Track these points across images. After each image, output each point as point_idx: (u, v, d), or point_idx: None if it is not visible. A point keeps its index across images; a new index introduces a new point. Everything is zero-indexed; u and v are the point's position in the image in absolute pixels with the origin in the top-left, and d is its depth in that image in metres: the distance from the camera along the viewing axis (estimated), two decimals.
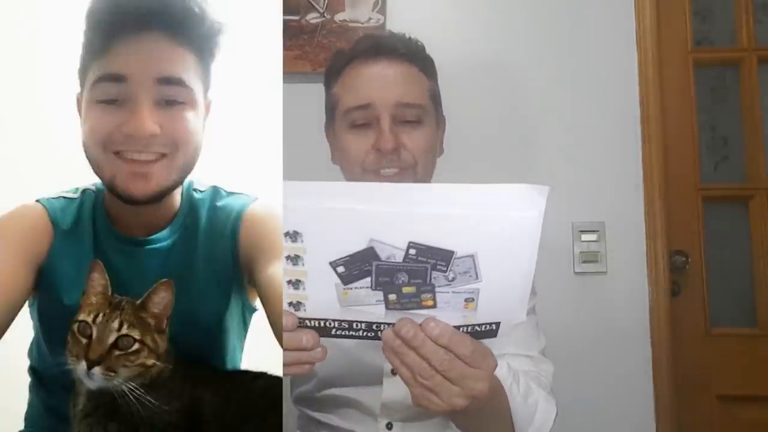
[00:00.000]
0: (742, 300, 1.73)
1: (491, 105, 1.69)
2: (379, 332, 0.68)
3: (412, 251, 0.62)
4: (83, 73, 0.89)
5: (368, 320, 0.68)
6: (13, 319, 0.84)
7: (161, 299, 0.82)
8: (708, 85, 1.80)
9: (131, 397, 0.77)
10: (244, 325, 1.03)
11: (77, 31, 0.88)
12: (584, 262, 1.65)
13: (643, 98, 1.69)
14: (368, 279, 0.64)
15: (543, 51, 1.71)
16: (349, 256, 0.63)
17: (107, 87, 0.85)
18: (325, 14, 1.71)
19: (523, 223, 0.63)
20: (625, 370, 1.62)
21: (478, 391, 0.68)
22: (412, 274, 0.64)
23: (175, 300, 0.82)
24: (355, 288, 0.65)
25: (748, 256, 1.72)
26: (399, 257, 0.63)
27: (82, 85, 0.89)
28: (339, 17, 1.71)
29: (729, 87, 1.80)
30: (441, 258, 0.63)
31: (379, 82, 0.99)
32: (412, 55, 1.02)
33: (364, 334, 0.69)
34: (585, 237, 1.65)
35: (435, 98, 1.04)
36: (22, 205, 0.94)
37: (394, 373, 1.00)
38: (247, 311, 1.02)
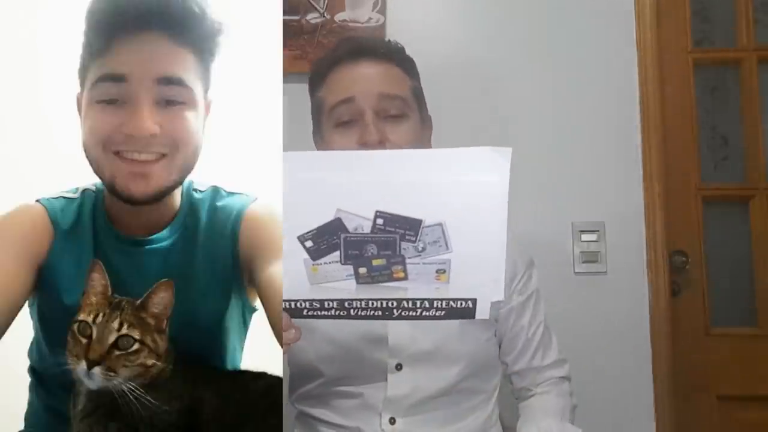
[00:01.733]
0: (742, 300, 1.73)
1: (491, 105, 1.69)
2: (352, 310, 0.68)
3: (380, 221, 0.62)
4: (83, 73, 0.89)
5: (339, 297, 0.67)
6: (13, 319, 0.84)
7: (161, 299, 0.82)
8: (708, 85, 1.80)
9: (131, 397, 0.77)
10: (244, 325, 1.03)
11: (77, 31, 0.88)
12: (584, 262, 1.65)
13: (643, 98, 1.68)
14: (337, 253, 0.63)
15: (543, 51, 1.71)
16: (317, 228, 0.62)
17: (107, 87, 0.85)
18: (325, 14, 1.71)
19: (488, 188, 0.62)
20: (625, 369, 1.62)
21: None
22: (381, 245, 0.63)
23: (175, 300, 0.82)
24: (324, 263, 0.64)
25: (748, 256, 1.72)
26: (367, 228, 0.62)
27: (82, 84, 0.90)
28: (339, 17, 1.71)
29: (729, 87, 1.80)
30: (409, 227, 0.62)
31: (361, 79, 1.01)
32: (392, 55, 1.05)
33: (336, 312, 0.68)
34: (585, 237, 1.65)
35: (418, 96, 1.06)
36: (22, 205, 0.94)
37: (398, 368, 1.02)
38: (247, 311, 1.02)
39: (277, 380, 0.86)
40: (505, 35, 1.72)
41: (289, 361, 1.08)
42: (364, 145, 0.97)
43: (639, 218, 1.66)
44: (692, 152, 1.72)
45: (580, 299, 1.64)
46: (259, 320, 0.98)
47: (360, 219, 0.62)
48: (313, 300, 0.67)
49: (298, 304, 0.68)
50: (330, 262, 0.64)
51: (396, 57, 1.05)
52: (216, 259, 0.94)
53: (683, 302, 1.67)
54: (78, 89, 0.91)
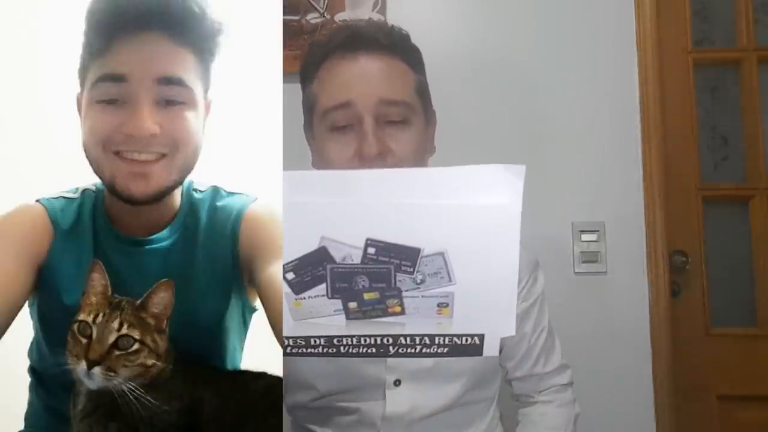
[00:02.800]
0: (742, 300, 1.73)
1: (490, 104, 1.69)
2: (342, 347, 0.61)
3: (371, 250, 0.55)
4: (83, 73, 0.89)
5: (327, 334, 0.60)
6: (13, 319, 0.84)
7: (161, 299, 0.82)
8: (708, 85, 1.80)
9: (131, 397, 0.77)
10: (244, 325, 1.03)
11: (77, 31, 0.88)
12: (584, 262, 1.65)
13: (643, 98, 1.68)
14: (323, 286, 0.56)
15: (543, 51, 1.71)
16: (298, 259, 0.55)
17: (107, 87, 0.85)
18: (325, 14, 1.71)
19: (498, 211, 0.55)
20: (625, 370, 1.62)
21: None
22: (374, 277, 0.56)
23: (175, 300, 0.82)
24: (309, 297, 0.57)
25: (748, 256, 1.72)
26: (356, 257, 0.55)
27: (82, 84, 0.89)
28: (339, 17, 1.71)
29: (729, 87, 1.80)
30: (405, 257, 0.55)
31: (360, 79, 0.89)
32: (395, 46, 0.93)
33: (324, 350, 0.61)
34: (585, 237, 1.65)
35: (423, 93, 0.95)
36: (22, 205, 0.94)
37: (396, 384, 0.97)
38: (247, 311, 1.02)
39: (277, 380, 0.86)
40: (505, 35, 1.72)
41: (283, 371, 1.05)
42: (362, 157, 0.87)
43: (639, 218, 1.66)
44: (692, 152, 1.72)
45: (580, 299, 1.64)
46: (259, 320, 0.98)
47: (348, 248, 0.55)
48: (297, 337, 0.60)
49: (281, 341, 0.62)
50: (315, 296, 0.57)
51: (399, 48, 0.93)
52: (216, 259, 0.94)
53: (683, 302, 1.67)
54: (78, 89, 0.91)
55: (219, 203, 0.97)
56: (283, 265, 0.56)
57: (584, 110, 1.69)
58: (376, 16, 1.70)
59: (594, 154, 1.68)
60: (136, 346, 0.78)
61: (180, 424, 0.80)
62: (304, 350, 0.61)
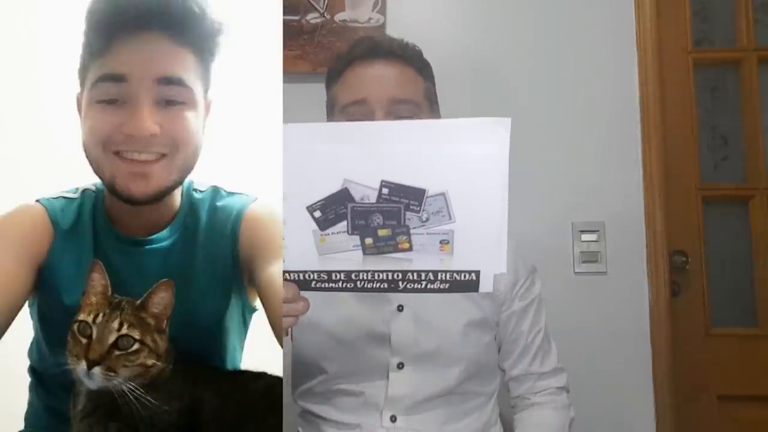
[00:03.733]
0: (742, 300, 1.73)
1: (490, 105, 1.69)
2: (359, 282, 0.68)
3: (385, 190, 0.63)
4: (83, 73, 0.89)
5: (347, 269, 0.67)
6: (13, 319, 0.84)
7: (161, 299, 0.82)
8: (708, 85, 1.80)
9: (131, 397, 0.77)
10: (244, 325, 1.03)
11: (77, 31, 0.88)
12: (584, 262, 1.65)
13: (643, 98, 1.68)
14: (344, 223, 0.64)
15: (543, 51, 1.71)
16: (325, 199, 0.63)
17: (107, 87, 0.85)
18: (325, 14, 1.71)
19: (488, 159, 0.63)
20: (625, 370, 1.62)
21: None
22: (387, 215, 0.64)
23: (175, 300, 0.82)
24: (332, 233, 0.65)
25: (748, 256, 1.72)
26: (373, 197, 0.63)
27: (82, 84, 0.89)
28: (339, 17, 1.71)
29: (729, 87, 1.80)
30: (413, 197, 0.63)
31: (375, 81, 1.02)
32: (409, 57, 1.05)
33: (344, 285, 0.69)
34: (585, 237, 1.65)
35: (431, 98, 1.06)
36: (22, 205, 0.94)
37: (400, 367, 1.02)
38: (247, 311, 1.02)
39: (277, 380, 0.86)
40: (505, 35, 1.72)
41: (293, 356, 1.08)
42: None
43: (639, 218, 1.66)
44: (692, 152, 1.72)
45: (580, 299, 1.64)
46: (259, 320, 0.98)
47: (366, 189, 0.63)
48: (322, 271, 0.68)
49: (307, 276, 0.68)
50: (338, 233, 0.65)
51: (412, 59, 1.05)
52: (216, 259, 0.94)
53: (683, 302, 1.67)
54: (78, 89, 0.91)
55: (219, 203, 0.97)
56: (311, 205, 0.63)
57: (584, 110, 1.69)
58: (375, 16, 1.70)
59: (594, 154, 1.68)
60: (136, 346, 0.78)
61: (180, 424, 0.80)
62: (327, 285, 0.69)
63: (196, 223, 0.96)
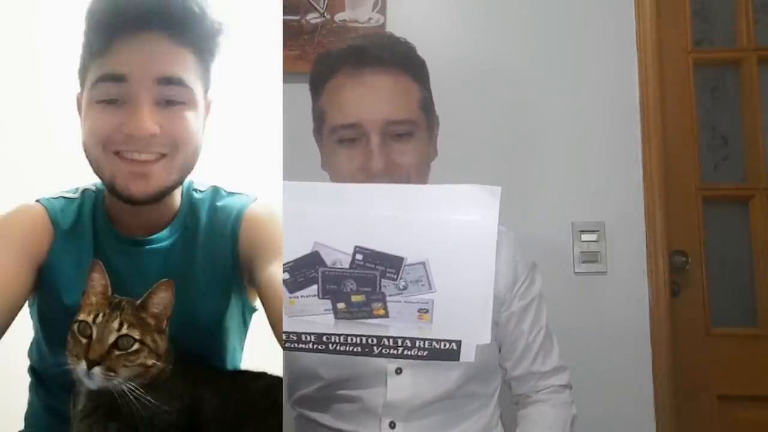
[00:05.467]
0: (742, 300, 1.73)
1: (491, 105, 1.69)
2: (330, 345, 0.66)
3: (359, 256, 0.60)
4: (83, 73, 0.89)
5: (317, 332, 0.65)
6: (13, 319, 0.84)
7: (161, 299, 0.82)
8: (708, 85, 1.80)
9: (131, 397, 0.77)
10: (244, 325, 1.03)
11: (77, 31, 0.88)
12: (584, 262, 1.65)
13: (643, 98, 1.68)
14: (315, 287, 0.62)
15: (543, 51, 1.71)
16: (293, 261, 0.61)
17: (107, 87, 0.85)
18: (325, 14, 1.71)
19: (475, 227, 0.60)
20: (625, 370, 1.61)
21: None
22: (361, 281, 0.61)
23: (175, 300, 0.82)
24: (302, 296, 0.63)
25: (748, 256, 1.72)
26: (345, 263, 0.60)
27: (82, 85, 0.89)
28: (339, 17, 1.71)
29: (729, 87, 1.80)
30: (390, 264, 0.60)
31: (366, 99, 0.94)
32: (400, 61, 0.97)
33: (314, 346, 0.66)
34: (585, 237, 1.65)
35: (426, 106, 1.00)
36: (22, 205, 0.94)
37: (398, 372, 1.01)
38: (247, 311, 1.02)
39: (277, 380, 0.86)
40: (505, 35, 1.72)
41: (289, 364, 1.07)
42: (368, 171, 0.92)
43: (639, 218, 1.66)
44: (692, 152, 1.72)
45: (580, 299, 1.64)
46: (259, 320, 0.98)
47: (338, 253, 0.60)
48: (290, 333, 0.66)
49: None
50: (307, 296, 0.62)
51: (404, 63, 0.97)
52: (216, 259, 0.94)
53: (683, 302, 1.67)
54: (78, 89, 0.91)
55: (219, 203, 0.97)
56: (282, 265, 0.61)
57: (584, 110, 1.69)
58: (375, 16, 1.70)
59: (594, 154, 1.68)
60: (136, 346, 0.78)
61: (180, 424, 0.80)
62: (297, 345, 0.67)
63: (196, 223, 0.96)
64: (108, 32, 0.84)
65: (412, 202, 0.60)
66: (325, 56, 1.01)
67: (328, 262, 0.60)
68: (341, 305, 0.63)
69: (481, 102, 1.69)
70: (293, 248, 0.60)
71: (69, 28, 0.90)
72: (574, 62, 1.70)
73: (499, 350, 1.12)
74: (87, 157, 0.89)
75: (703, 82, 1.79)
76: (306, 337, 0.66)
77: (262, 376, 0.87)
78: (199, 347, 0.92)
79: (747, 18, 1.77)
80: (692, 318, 1.66)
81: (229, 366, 0.98)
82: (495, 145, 1.68)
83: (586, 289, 1.65)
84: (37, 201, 0.95)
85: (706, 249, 1.69)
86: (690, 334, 1.66)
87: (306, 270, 0.61)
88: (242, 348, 1.03)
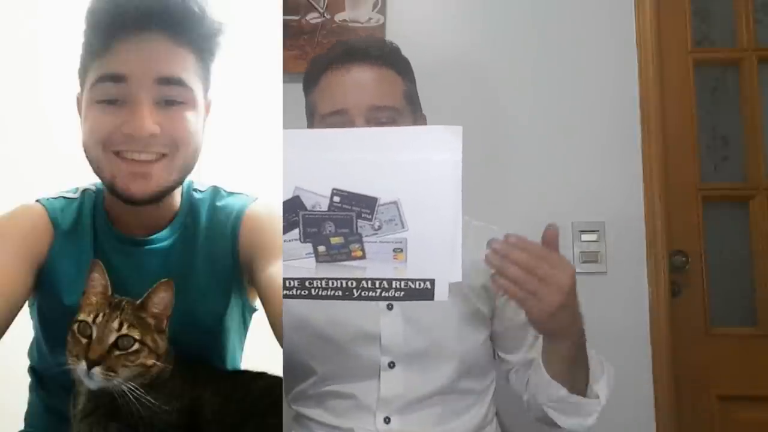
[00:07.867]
0: (742, 300, 1.72)
1: (491, 104, 1.69)
2: (313, 290, 0.69)
3: (336, 198, 0.63)
4: (83, 73, 0.89)
5: (300, 276, 0.68)
6: (13, 319, 0.84)
7: (161, 299, 0.82)
8: (708, 85, 1.80)
9: (131, 397, 0.77)
10: (244, 325, 1.03)
11: (77, 31, 0.88)
12: (584, 262, 1.64)
13: (643, 98, 1.68)
14: (296, 231, 0.65)
15: (543, 51, 1.71)
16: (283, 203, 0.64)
17: (107, 87, 0.85)
18: (325, 14, 1.71)
19: (440, 167, 0.63)
20: (625, 370, 1.61)
21: (566, 284, 0.79)
22: (338, 223, 0.64)
23: (175, 300, 0.82)
24: (286, 241, 0.66)
25: (748, 256, 1.72)
26: (324, 205, 0.64)
27: (82, 85, 0.90)
28: (339, 17, 1.71)
29: (729, 87, 1.80)
30: (365, 205, 0.63)
31: (353, 88, 1.00)
32: (386, 57, 1.03)
33: (298, 292, 0.69)
34: (585, 237, 1.65)
35: (411, 99, 1.04)
36: (22, 205, 0.94)
37: (391, 366, 1.01)
38: (247, 311, 1.02)
39: (277, 380, 0.86)
40: (505, 35, 1.72)
41: (283, 357, 1.07)
42: None
43: (639, 218, 1.65)
44: (692, 152, 1.72)
45: (580, 299, 1.63)
46: (259, 320, 0.98)
47: (317, 197, 0.63)
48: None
49: None
50: (290, 240, 0.65)
51: (389, 59, 1.03)
52: (216, 259, 0.94)
53: (683, 302, 1.66)
54: (78, 89, 0.91)
55: (219, 203, 0.97)
56: None
57: (584, 110, 1.69)
58: (375, 16, 1.70)
59: (594, 154, 1.68)
60: (136, 346, 0.79)
61: (180, 424, 0.80)
62: (283, 292, 0.69)
63: (196, 223, 0.96)
64: (108, 32, 0.85)
65: (381, 145, 0.63)
66: (316, 57, 1.08)
67: (308, 205, 0.64)
68: (321, 248, 0.66)
69: (479, 101, 1.69)
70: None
71: (69, 28, 0.90)
72: (574, 62, 1.70)
73: (501, 342, 1.10)
74: (87, 157, 0.89)
75: (703, 82, 1.79)
76: (289, 283, 0.69)
77: (262, 376, 0.87)
78: (199, 347, 0.92)
79: (747, 18, 1.76)
80: (692, 318, 1.66)
81: (229, 366, 0.99)
82: (494, 144, 1.68)
83: (585, 289, 1.62)
84: (37, 201, 0.95)
85: (706, 249, 1.69)
86: (690, 334, 1.65)
87: (288, 214, 0.64)
88: (242, 348, 1.03)
